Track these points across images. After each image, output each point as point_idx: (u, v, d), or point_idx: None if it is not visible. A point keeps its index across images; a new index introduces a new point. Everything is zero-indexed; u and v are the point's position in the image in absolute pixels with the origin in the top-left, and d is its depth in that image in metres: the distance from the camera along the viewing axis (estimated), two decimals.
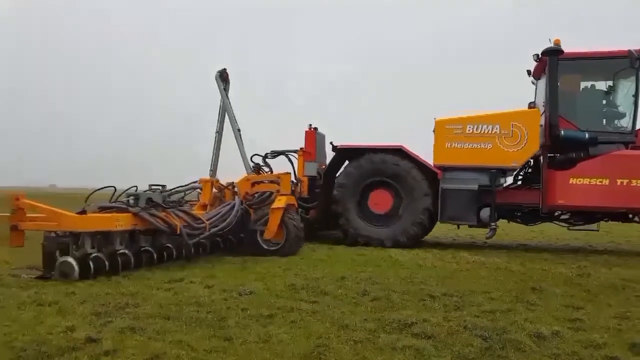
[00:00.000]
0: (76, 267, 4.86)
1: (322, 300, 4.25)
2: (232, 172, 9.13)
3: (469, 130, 8.62)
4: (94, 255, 5.05)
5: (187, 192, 7.74)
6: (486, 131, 8.54)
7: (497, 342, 3.14)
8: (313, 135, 9.60)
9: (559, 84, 8.22)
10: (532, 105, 9.23)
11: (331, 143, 9.49)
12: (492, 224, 8.52)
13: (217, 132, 9.88)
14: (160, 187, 6.35)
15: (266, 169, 8.96)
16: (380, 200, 8.99)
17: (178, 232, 5.86)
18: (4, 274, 5.23)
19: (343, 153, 9.49)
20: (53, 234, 5.28)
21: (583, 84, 8.84)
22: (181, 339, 3.08)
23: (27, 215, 5.24)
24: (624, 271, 6.25)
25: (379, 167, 8.92)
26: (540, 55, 8.51)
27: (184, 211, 6.24)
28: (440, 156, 8.79)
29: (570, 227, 8.95)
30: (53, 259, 5.05)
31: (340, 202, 9.00)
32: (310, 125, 9.69)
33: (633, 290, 5.06)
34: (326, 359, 2.84)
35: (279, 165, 9.23)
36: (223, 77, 9.76)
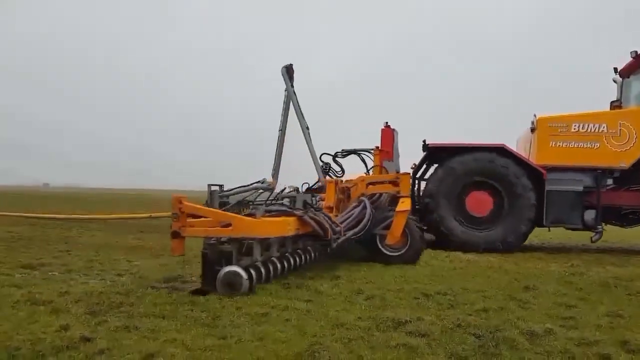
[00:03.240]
0: (245, 278, 4.28)
1: (316, 299, 4.25)
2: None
3: (574, 128, 8.34)
4: (256, 263, 4.58)
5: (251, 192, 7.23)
6: (593, 130, 8.28)
7: (491, 340, 3.15)
8: (390, 133, 8.86)
9: None
10: (616, 104, 8.96)
11: (423, 141, 8.88)
12: (599, 226, 8.26)
13: (280, 130, 9.25)
14: (218, 187, 5.88)
15: (337, 169, 8.54)
16: (479, 202, 8.46)
17: (329, 236, 5.39)
18: None
19: (433, 152, 8.94)
20: (213, 240, 4.66)
21: None
22: (176, 337, 3.07)
23: (189, 220, 4.59)
24: (615, 270, 6.31)
25: (485, 167, 8.39)
26: (639, 52, 8.30)
27: (325, 214, 5.75)
28: (543, 155, 8.46)
29: None
30: (214, 269, 4.39)
31: (434, 199, 8.49)
32: (387, 122, 8.99)
33: (625, 288, 5.10)
34: (320, 357, 2.84)
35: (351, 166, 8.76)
36: (289, 73, 9.25)
